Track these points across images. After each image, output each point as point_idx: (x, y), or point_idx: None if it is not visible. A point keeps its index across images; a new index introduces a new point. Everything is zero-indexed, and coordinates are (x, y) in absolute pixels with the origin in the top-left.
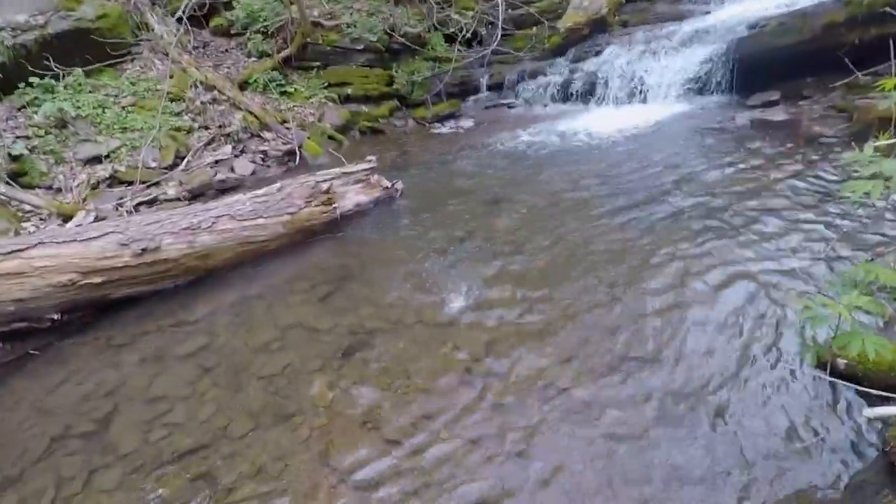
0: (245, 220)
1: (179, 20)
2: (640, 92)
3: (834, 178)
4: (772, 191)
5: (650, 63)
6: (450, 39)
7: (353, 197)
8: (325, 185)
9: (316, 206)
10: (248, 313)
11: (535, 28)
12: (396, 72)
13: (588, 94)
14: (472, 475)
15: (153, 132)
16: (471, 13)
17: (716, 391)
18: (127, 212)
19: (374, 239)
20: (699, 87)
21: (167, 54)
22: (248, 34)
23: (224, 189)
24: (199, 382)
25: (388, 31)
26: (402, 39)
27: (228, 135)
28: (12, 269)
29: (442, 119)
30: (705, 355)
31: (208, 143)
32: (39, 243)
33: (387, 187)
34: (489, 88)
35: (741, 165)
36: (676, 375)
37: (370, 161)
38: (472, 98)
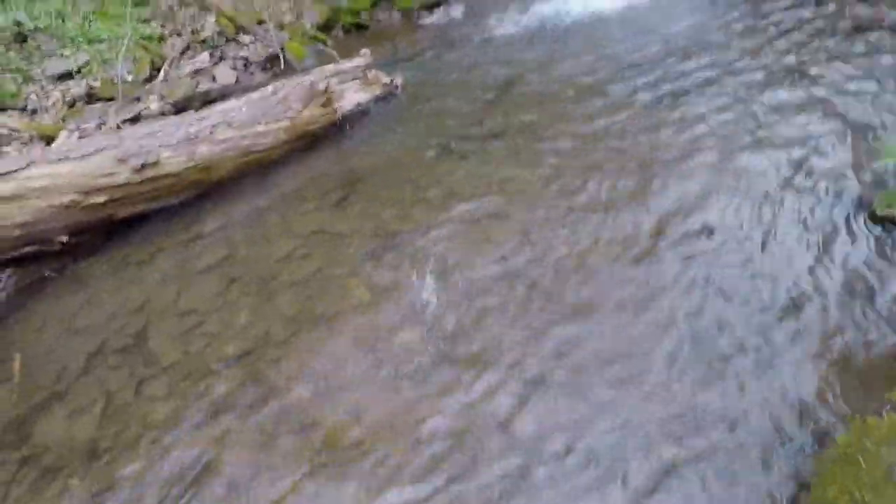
0: (243, 127)
1: None
2: None
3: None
4: (794, 47)
5: None
6: None
7: (352, 96)
8: (322, 85)
9: (315, 108)
10: (262, 224)
11: None
12: None
13: None
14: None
15: (123, 42)
16: None
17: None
18: (114, 129)
19: (380, 139)
20: None
21: None
22: None
23: (209, 100)
24: (227, 293)
25: None
26: None
27: (203, 41)
28: (10, 191)
29: (429, 8)
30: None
31: (183, 52)
32: (31, 163)
33: (386, 83)
34: None
35: (762, 24)
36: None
37: (365, 56)
38: None
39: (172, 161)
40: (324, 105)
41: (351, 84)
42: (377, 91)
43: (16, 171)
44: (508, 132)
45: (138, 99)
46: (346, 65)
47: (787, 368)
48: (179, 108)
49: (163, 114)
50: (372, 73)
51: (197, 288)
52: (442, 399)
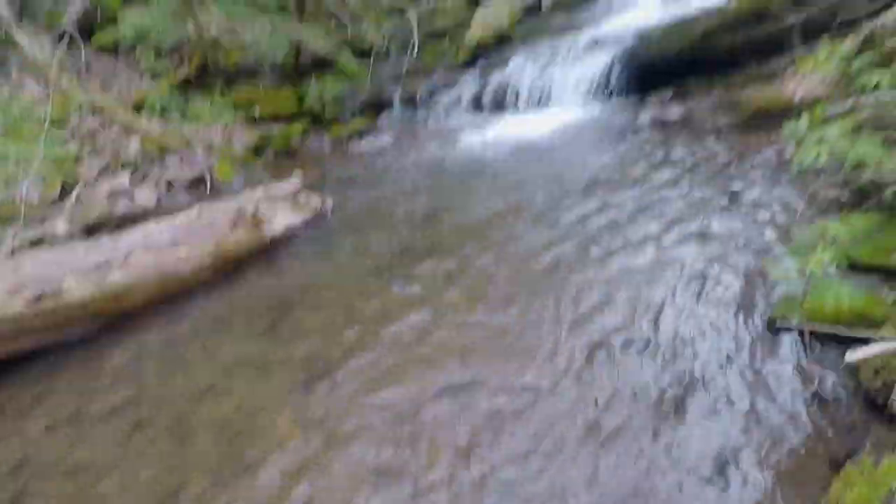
0: (164, 251)
1: (61, 36)
2: (549, 98)
3: (730, 159)
4: (680, 177)
5: (555, 71)
6: (359, 55)
7: (282, 219)
8: (251, 208)
9: (243, 231)
10: (180, 355)
11: (445, 42)
12: (307, 90)
13: (500, 103)
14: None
15: (34, 162)
16: (381, 30)
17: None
18: (11, 252)
19: (311, 262)
20: (602, 90)
21: (43, 74)
22: (138, 52)
23: (125, 222)
24: (131, 441)
25: (295, 49)
26: (311, 57)
27: (126, 162)
28: None
29: (358, 135)
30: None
31: (102, 172)
32: None
33: (317, 207)
34: (403, 102)
35: (652, 157)
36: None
37: (296, 180)
38: (387, 113)
39: (78, 289)
40: (252, 228)
41: (281, 207)
42: (308, 214)
43: None
44: (435, 256)
45: (43, 221)
46: (277, 188)
47: (689, 464)
48: (91, 231)
49: (71, 237)
50: (303, 197)
51: (93, 437)
52: None
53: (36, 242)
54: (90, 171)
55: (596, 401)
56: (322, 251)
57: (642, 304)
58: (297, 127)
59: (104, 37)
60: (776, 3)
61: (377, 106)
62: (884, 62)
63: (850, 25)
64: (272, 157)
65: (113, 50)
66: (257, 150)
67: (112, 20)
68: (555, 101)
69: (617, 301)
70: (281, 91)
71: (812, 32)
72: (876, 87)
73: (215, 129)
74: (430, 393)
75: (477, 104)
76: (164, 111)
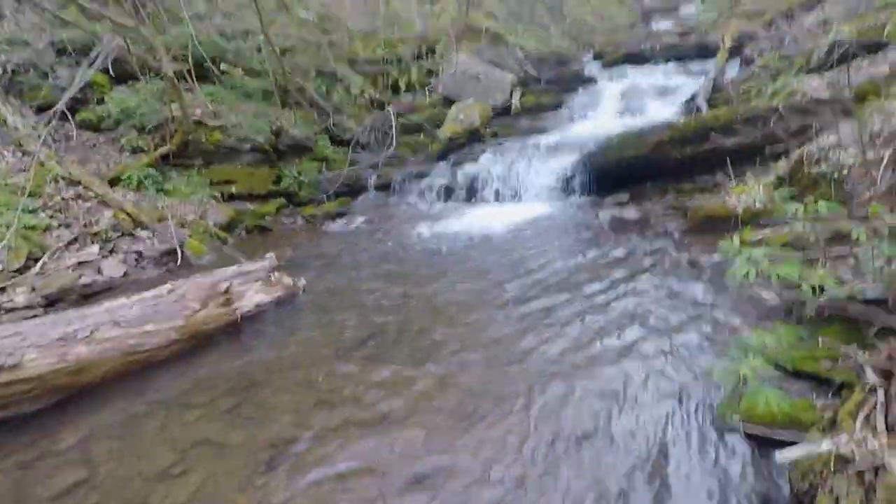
0: (131, 326)
1: (47, 110)
2: (516, 193)
3: (680, 264)
4: (636, 275)
5: (522, 168)
6: (336, 142)
7: (253, 296)
8: (223, 285)
9: (213, 307)
10: (135, 435)
11: (420, 135)
12: (284, 171)
13: (469, 194)
14: None
15: (8, 231)
16: (360, 120)
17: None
18: None
19: (280, 341)
20: (565, 189)
21: (21, 146)
22: (121, 129)
23: (90, 294)
24: None
25: (275, 133)
26: (290, 141)
27: (96, 234)
28: None
29: (332, 217)
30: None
31: (70, 243)
32: None
33: (289, 286)
34: (377, 188)
35: (613, 255)
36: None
37: (270, 258)
38: (361, 197)
39: (37, 364)
40: (223, 305)
41: (253, 285)
42: (279, 293)
43: None
44: (404, 339)
45: (3, 290)
46: (250, 266)
47: None
48: (53, 301)
49: (30, 307)
50: (275, 276)
51: None
52: None
53: None
54: (58, 241)
55: (561, 491)
56: (292, 331)
57: (603, 397)
58: (272, 205)
59: (89, 114)
60: (719, 124)
61: (352, 189)
62: (807, 188)
63: (783, 150)
64: (244, 234)
65: (96, 127)
66: (230, 226)
67: (101, 101)
68: (521, 196)
69: (577, 393)
70: (258, 170)
71: (750, 153)
72: (794, 214)
73: (190, 204)
74: (398, 482)
75: (448, 194)
76: (140, 185)
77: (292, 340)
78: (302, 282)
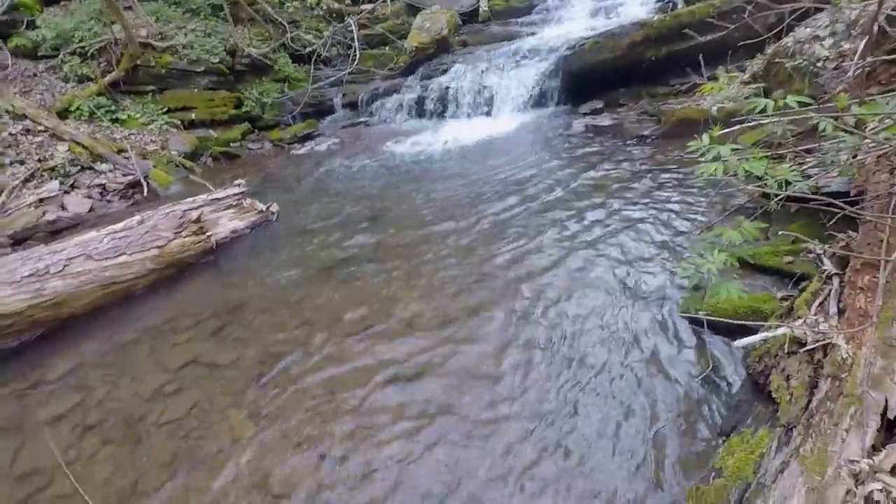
0: (105, 258)
1: None
2: (488, 105)
3: (653, 166)
4: (608, 180)
5: (494, 78)
6: (297, 60)
7: (227, 223)
8: (194, 214)
9: (187, 236)
10: (126, 361)
11: (386, 48)
12: (245, 94)
13: (441, 108)
14: (409, 481)
15: None
16: (319, 34)
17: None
18: None
19: (257, 265)
20: (537, 98)
21: None
22: (61, 56)
23: (56, 230)
24: (82, 444)
25: (230, 52)
26: (248, 60)
27: (53, 168)
28: None
29: (300, 140)
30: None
31: (27, 180)
32: None
33: (262, 210)
34: (344, 107)
35: (587, 161)
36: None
37: (240, 185)
38: (329, 118)
39: (13, 300)
40: (196, 233)
41: (226, 212)
42: (253, 219)
43: None
44: (380, 255)
45: None
46: (220, 193)
47: (627, 446)
48: (19, 240)
49: None
50: (248, 202)
51: (40, 443)
52: None
53: None
54: (14, 178)
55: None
56: (269, 255)
57: (573, 292)
58: (236, 131)
59: (21, 40)
60: (695, 20)
61: (318, 110)
62: (782, 84)
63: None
64: (210, 162)
65: (31, 54)
66: (195, 155)
67: (31, 23)
68: (495, 108)
69: (550, 291)
70: (217, 94)
71: (726, 50)
72: (762, 111)
73: (149, 134)
74: (378, 382)
75: (419, 109)
76: (92, 116)
77: (270, 264)
78: (275, 207)
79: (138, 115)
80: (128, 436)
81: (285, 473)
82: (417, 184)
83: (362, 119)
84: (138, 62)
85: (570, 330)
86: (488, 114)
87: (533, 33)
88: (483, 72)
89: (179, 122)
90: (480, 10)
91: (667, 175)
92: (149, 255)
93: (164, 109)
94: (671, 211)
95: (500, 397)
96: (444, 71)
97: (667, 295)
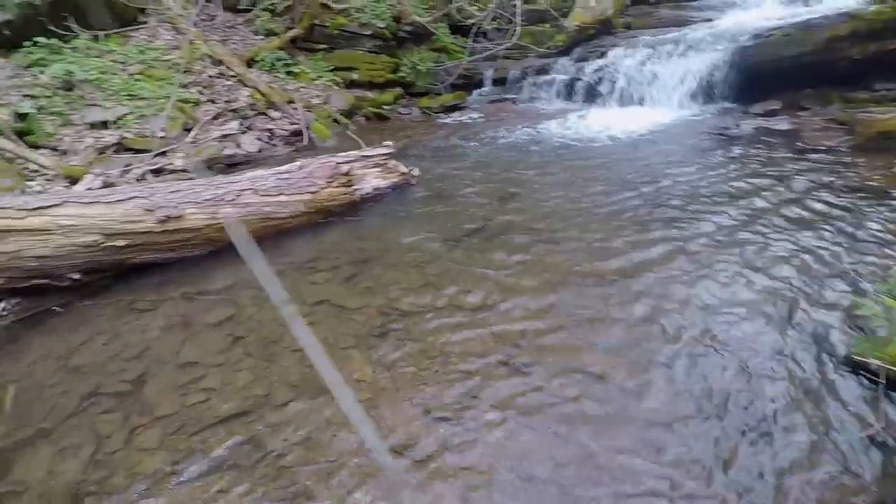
0: (268, 195)
1: None
2: (644, 94)
3: (840, 184)
4: (785, 198)
5: (655, 67)
6: (455, 31)
7: (371, 180)
8: (345, 167)
9: (336, 186)
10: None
11: (546, 25)
12: (403, 60)
13: (592, 93)
14: (520, 447)
15: (164, 102)
16: (483, 6)
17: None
18: (136, 179)
19: (392, 224)
20: (703, 92)
21: (174, 25)
22: (255, 11)
23: (231, 164)
24: (230, 351)
25: (395, 18)
26: (410, 28)
27: (235, 110)
28: (38, 225)
29: (447, 110)
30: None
31: (215, 118)
32: (66, 202)
33: (404, 173)
34: (494, 83)
35: (753, 168)
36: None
37: (388, 146)
38: (477, 91)
39: (195, 217)
40: (345, 185)
41: (372, 170)
42: (395, 180)
43: (49, 207)
44: (510, 234)
45: (164, 153)
46: (370, 151)
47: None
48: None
49: (185, 171)
50: (392, 163)
51: (199, 342)
52: (437, 483)
53: (156, 172)
54: (206, 115)
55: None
56: (404, 216)
57: (720, 311)
58: (389, 95)
59: None
60: None
61: (468, 82)
62: None
63: None
64: (363, 121)
65: (234, 7)
66: (350, 113)
67: None
68: (651, 98)
69: (693, 307)
70: (378, 58)
71: None
72: None
73: (315, 89)
74: (490, 354)
75: (569, 92)
76: (272, 67)
77: (405, 225)
78: (416, 171)
79: (309, 71)
80: (265, 353)
81: (393, 421)
82: (558, 168)
83: (510, 96)
84: (316, 21)
85: (714, 357)
86: (645, 105)
87: (709, 19)
88: (645, 58)
89: (341, 81)
90: None
91: (858, 197)
92: (303, 199)
93: (331, 68)
94: (860, 240)
95: (621, 418)
96: (602, 54)
97: (840, 334)
